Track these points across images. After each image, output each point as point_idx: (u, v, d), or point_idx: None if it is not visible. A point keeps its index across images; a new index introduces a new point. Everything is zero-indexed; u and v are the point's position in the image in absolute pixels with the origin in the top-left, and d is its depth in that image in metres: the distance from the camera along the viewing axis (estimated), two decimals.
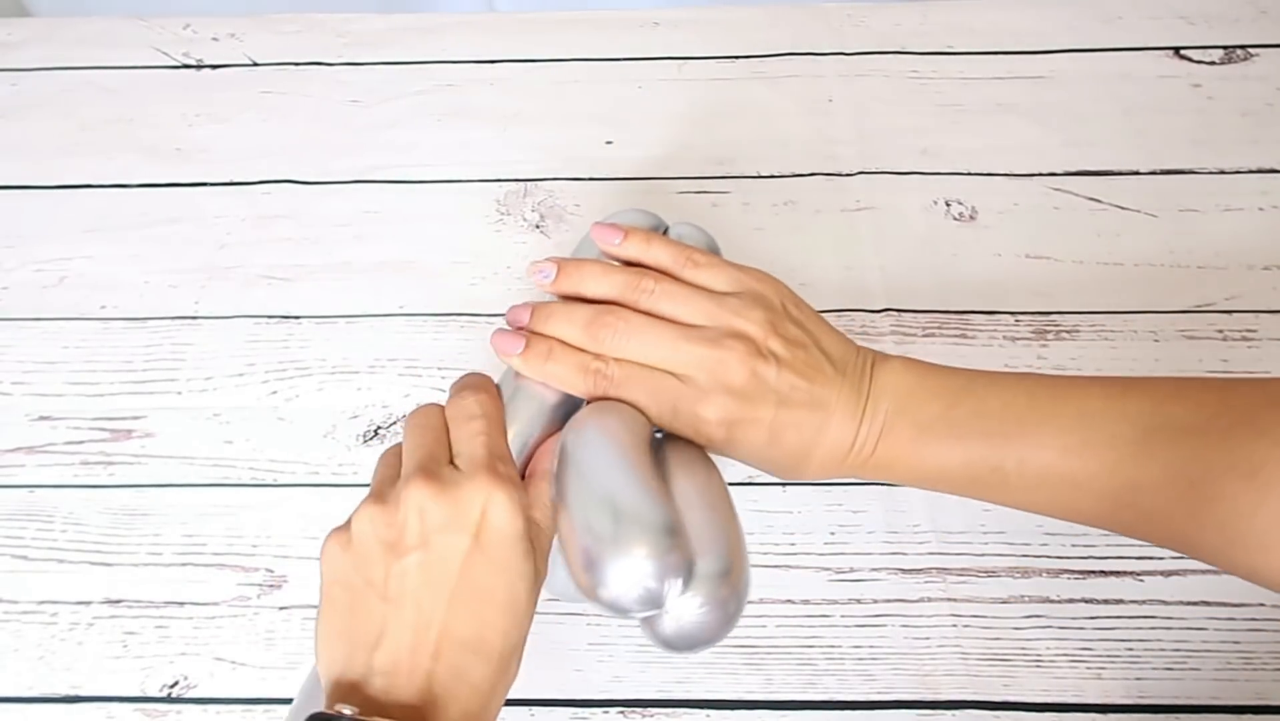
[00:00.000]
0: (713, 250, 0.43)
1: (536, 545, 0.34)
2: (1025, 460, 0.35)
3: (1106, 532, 0.47)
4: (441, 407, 0.38)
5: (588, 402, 0.39)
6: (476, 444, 0.35)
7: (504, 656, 0.33)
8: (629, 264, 0.41)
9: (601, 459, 0.34)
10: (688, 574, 0.32)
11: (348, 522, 0.35)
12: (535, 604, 0.34)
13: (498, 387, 0.39)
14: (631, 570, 0.31)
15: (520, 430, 0.38)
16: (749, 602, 0.46)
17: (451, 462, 0.35)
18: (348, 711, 0.30)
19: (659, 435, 0.39)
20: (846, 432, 0.37)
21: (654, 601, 0.32)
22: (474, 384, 0.38)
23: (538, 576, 0.34)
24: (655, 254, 0.40)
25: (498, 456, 0.35)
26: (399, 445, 0.37)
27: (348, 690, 0.32)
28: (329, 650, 0.33)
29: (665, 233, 0.43)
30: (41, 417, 0.53)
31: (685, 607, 0.33)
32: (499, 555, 0.33)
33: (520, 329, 0.40)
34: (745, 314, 0.37)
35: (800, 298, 0.40)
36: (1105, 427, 0.34)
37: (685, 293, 0.38)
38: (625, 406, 0.37)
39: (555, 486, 0.35)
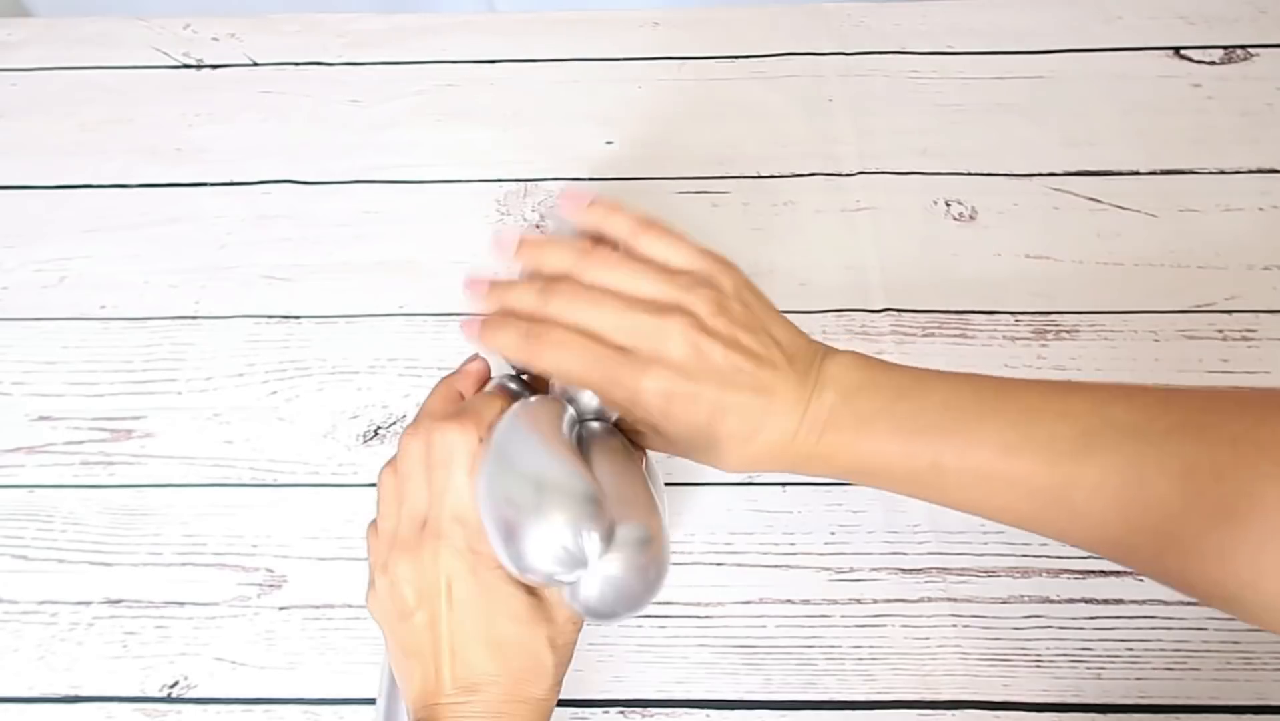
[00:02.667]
0: None
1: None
2: (965, 455, 0.34)
3: None
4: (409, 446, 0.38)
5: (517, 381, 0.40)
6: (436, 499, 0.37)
7: (517, 680, 0.36)
8: (595, 236, 0.41)
9: (522, 441, 0.35)
10: (607, 535, 0.33)
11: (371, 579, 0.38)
12: (535, 621, 0.36)
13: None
14: (550, 533, 0.32)
15: None
16: (749, 602, 0.47)
17: None
18: None
19: (582, 425, 0.39)
20: (789, 422, 0.36)
21: (574, 561, 0.32)
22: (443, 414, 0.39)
23: (526, 600, 0.36)
24: (614, 223, 0.40)
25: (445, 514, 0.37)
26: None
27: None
28: (405, 678, 0.37)
29: None
30: (41, 417, 0.53)
31: (606, 571, 0.34)
32: (473, 604, 0.36)
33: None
34: (694, 290, 0.37)
35: (755, 285, 0.39)
36: (1045, 425, 0.34)
37: (634, 266, 0.38)
38: (548, 401, 0.38)
39: (479, 477, 0.35)
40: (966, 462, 0.34)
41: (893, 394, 0.36)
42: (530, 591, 0.36)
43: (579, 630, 0.38)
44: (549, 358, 0.37)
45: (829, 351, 0.38)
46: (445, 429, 0.36)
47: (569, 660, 0.38)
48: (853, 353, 0.38)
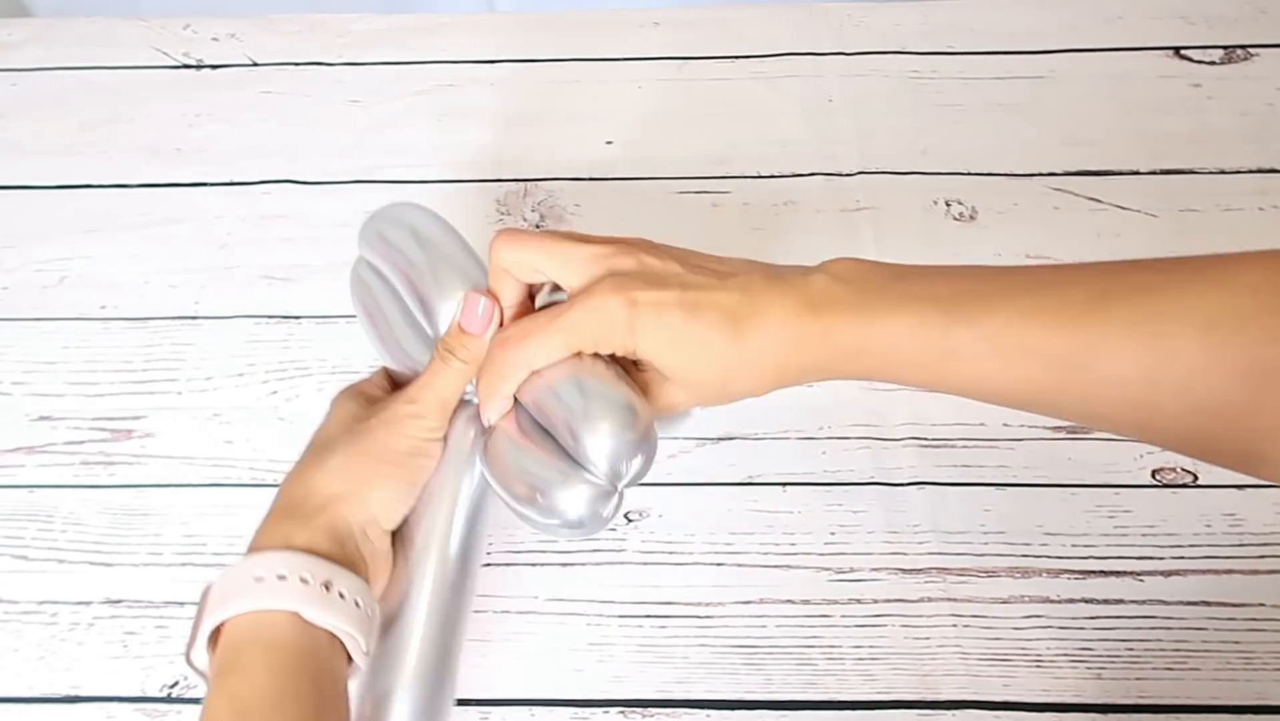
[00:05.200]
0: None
1: (359, 395, 0.42)
2: (977, 323, 0.33)
3: (1107, 533, 0.48)
4: None
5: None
6: None
7: (302, 463, 0.39)
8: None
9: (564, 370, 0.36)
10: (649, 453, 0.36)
11: None
12: (347, 423, 0.40)
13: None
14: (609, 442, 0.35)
15: None
16: (749, 603, 0.47)
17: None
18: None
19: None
20: (782, 300, 0.34)
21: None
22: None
23: (355, 408, 0.40)
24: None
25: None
26: None
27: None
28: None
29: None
30: (41, 418, 0.53)
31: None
32: (323, 423, 0.41)
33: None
34: (621, 248, 0.36)
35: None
36: (1058, 290, 0.33)
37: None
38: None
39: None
40: (980, 330, 0.33)
41: (893, 275, 0.35)
42: (369, 404, 0.40)
43: (394, 439, 0.39)
44: (524, 351, 0.36)
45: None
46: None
47: (379, 461, 0.38)
48: (847, 257, 0.36)
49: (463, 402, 0.41)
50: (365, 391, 0.42)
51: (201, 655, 0.34)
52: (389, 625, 0.38)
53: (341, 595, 0.35)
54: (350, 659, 0.36)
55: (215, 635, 0.35)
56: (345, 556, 0.36)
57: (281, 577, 0.34)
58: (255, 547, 0.36)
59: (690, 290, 0.35)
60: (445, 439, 0.41)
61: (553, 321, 0.36)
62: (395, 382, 0.44)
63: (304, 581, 0.34)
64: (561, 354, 0.36)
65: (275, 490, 0.39)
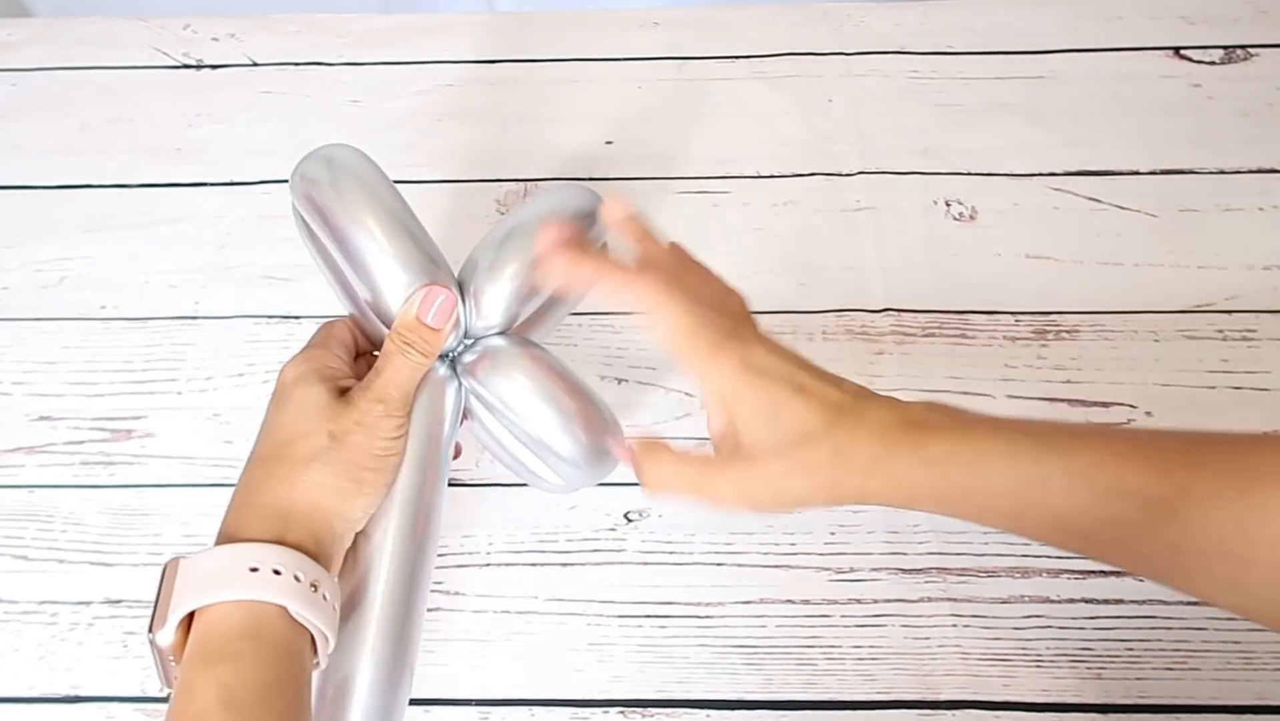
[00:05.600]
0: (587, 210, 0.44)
1: (326, 382, 0.40)
2: (1070, 457, 0.32)
3: None
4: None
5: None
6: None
7: (282, 458, 0.38)
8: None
9: None
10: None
11: None
12: (322, 415, 0.38)
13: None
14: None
15: None
16: (749, 603, 0.47)
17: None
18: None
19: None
20: (882, 411, 0.35)
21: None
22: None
23: (325, 398, 0.39)
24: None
25: (306, 346, 0.42)
26: None
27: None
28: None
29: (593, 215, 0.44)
30: (41, 418, 0.53)
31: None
32: (281, 398, 0.40)
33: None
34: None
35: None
36: (1150, 436, 0.33)
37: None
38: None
39: None
40: (1073, 463, 0.32)
41: (967, 416, 0.35)
42: (336, 394, 0.39)
43: (370, 438, 0.38)
44: (651, 289, 0.37)
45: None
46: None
47: (357, 464, 0.38)
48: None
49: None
50: (327, 372, 0.41)
51: (169, 635, 0.34)
52: (347, 614, 0.38)
53: (325, 597, 0.35)
54: (315, 654, 0.36)
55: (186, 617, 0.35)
56: (325, 558, 0.37)
57: (277, 572, 0.34)
58: (237, 537, 0.36)
59: (801, 373, 0.36)
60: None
61: (658, 327, 0.37)
62: (355, 341, 0.44)
63: (296, 579, 0.34)
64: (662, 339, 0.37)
65: (242, 475, 0.39)
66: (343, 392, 0.40)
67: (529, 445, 0.43)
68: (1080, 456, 0.32)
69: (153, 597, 0.35)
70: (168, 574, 0.35)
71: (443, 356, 0.42)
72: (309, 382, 0.40)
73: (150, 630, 0.34)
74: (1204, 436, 0.32)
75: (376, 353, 0.41)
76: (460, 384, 0.43)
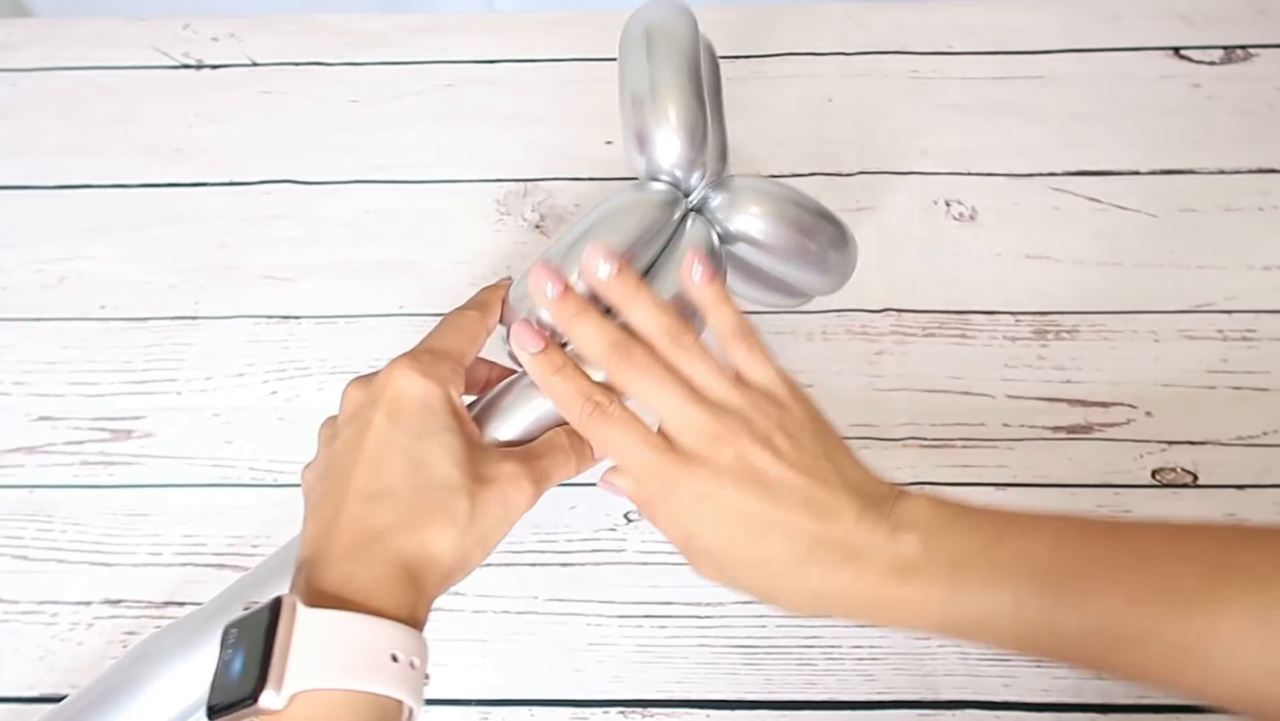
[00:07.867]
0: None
1: (462, 422, 0.37)
2: (1082, 608, 0.31)
3: None
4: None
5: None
6: (421, 343, 0.39)
7: (417, 509, 0.34)
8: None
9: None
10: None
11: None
12: (466, 471, 0.35)
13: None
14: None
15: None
16: (748, 602, 0.47)
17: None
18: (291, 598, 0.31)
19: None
20: (860, 561, 0.33)
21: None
22: (475, 299, 0.42)
23: (465, 447, 0.36)
24: (718, 316, 0.38)
25: (424, 349, 0.38)
26: None
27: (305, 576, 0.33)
28: (309, 512, 0.37)
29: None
30: (41, 418, 0.53)
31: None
32: (405, 421, 0.36)
33: (538, 326, 0.39)
34: (761, 406, 0.35)
35: (829, 423, 0.37)
36: (1168, 567, 0.31)
37: (714, 365, 0.37)
38: None
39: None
40: (1086, 615, 0.31)
41: (990, 536, 0.33)
42: (472, 443, 0.36)
43: (504, 519, 0.37)
44: (602, 433, 0.36)
45: (903, 492, 0.35)
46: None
47: (483, 542, 0.36)
48: (929, 494, 0.35)
49: None
50: (456, 401, 0.37)
51: (279, 701, 0.29)
52: None
53: (427, 677, 0.33)
54: None
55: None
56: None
57: (413, 666, 0.32)
58: (366, 597, 0.32)
59: (766, 502, 0.34)
60: None
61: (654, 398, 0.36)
62: (473, 377, 0.42)
63: (413, 667, 0.32)
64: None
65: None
66: (461, 413, 0.37)
67: (792, 264, 0.45)
68: (1092, 605, 0.31)
69: (244, 629, 0.30)
70: (284, 622, 0.30)
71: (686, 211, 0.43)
72: (444, 415, 0.36)
73: (253, 695, 0.29)
74: (1228, 555, 0.31)
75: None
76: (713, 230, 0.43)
